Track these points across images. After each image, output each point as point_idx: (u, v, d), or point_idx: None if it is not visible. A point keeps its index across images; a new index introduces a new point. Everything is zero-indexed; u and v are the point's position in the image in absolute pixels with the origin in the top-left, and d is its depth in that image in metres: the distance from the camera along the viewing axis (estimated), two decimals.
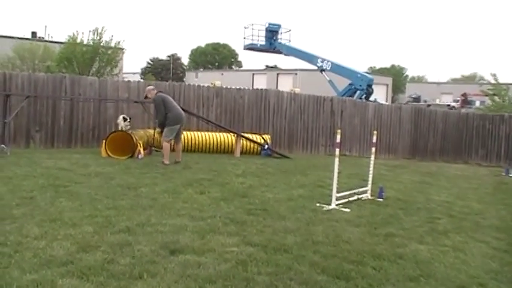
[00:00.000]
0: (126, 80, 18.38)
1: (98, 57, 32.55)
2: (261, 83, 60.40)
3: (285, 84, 55.59)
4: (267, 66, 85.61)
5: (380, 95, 52.36)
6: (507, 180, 14.61)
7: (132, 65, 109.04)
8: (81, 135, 14.45)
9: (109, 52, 32.92)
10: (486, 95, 37.50)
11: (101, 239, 5.62)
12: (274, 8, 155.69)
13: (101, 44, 32.49)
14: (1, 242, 5.29)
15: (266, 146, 15.44)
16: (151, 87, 13.05)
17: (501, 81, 35.06)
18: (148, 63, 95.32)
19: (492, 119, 21.11)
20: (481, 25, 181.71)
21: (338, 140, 8.59)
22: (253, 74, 72.78)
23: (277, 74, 70.45)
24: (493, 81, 34.70)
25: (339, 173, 8.46)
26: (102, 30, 32.55)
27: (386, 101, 55.12)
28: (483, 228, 7.73)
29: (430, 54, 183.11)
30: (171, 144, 12.21)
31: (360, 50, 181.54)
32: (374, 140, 9.94)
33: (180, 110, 12.36)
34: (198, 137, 14.93)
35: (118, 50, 34.11)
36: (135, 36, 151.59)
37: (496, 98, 34.12)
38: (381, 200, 9.18)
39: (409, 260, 5.75)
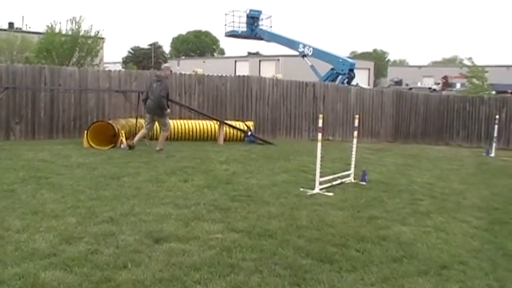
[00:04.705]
0: (107, 69, 18.20)
1: (77, 47, 32.06)
2: (243, 69, 60.12)
3: (268, 71, 55.38)
4: (249, 52, 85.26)
5: (362, 79, 52.37)
6: (488, 160, 14.79)
7: (113, 55, 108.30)
8: (62, 126, 14.30)
9: (89, 42, 32.44)
10: (465, 78, 37.91)
11: (84, 230, 5.59)
12: None
13: (80, 34, 32.01)
14: None
15: (249, 133, 15.44)
16: (167, 64, 13.77)
17: (480, 63, 35.57)
18: (130, 52, 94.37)
19: (472, 100, 21.32)
20: (461, 7, 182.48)
21: (320, 125, 8.61)
22: (235, 61, 72.33)
23: (260, 61, 70.03)
24: (469, 64, 35.18)
25: (322, 157, 8.50)
26: (80, 19, 32.06)
27: (369, 85, 55.25)
28: (464, 208, 7.83)
29: (411, 37, 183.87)
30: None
31: (341, 35, 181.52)
32: (356, 124, 10.00)
33: (150, 100, 12.28)
34: (181, 125, 14.87)
35: (98, 40, 33.66)
36: (115, 25, 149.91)
37: (474, 80, 34.56)
38: (364, 183, 9.25)
39: (392, 241, 5.81)
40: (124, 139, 12.50)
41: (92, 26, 32.52)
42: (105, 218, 6.10)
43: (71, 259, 4.70)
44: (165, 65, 13.82)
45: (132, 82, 15.40)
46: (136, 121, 13.72)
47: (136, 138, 12.27)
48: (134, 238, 5.39)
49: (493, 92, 35.46)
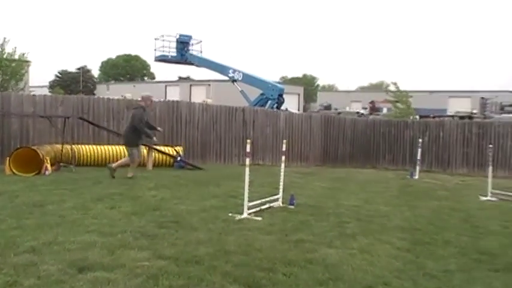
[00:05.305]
0: (32, 93, 17.68)
1: (0, 70, 31.02)
2: (174, 94, 59.99)
3: (198, 95, 55.56)
4: (179, 77, 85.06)
5: (292, 104, 53.44)
6: (412, 182, 15.33)
7: (39, 78, 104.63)
8: None
9: (13, 65, 31.46)
10: (390, 102, 39.32)
11: (3, 261, 5.36)
12: (184, 19, 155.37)
13: (4, 56, 31.01)
14: None
15: (179, 158, 15.35)
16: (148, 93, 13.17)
17: (405, 88, 37.06)
18: (57, 76, 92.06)
19: (397, 124, 22.07)
20: (386, 34, 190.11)
21: (248, 150, 8.69)
22: (165, 86, 72.08)
23: (190, 85, 70.17)
24: (394, 89, 36.64)
25: (251, 182, 8.57)
26: (4, 41, 31.12)
27: (298, 110, 56.33)
28: (388, 230, 8.06)
29: (340, 63, 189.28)
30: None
31: (271, 60, 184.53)
32: (284, 148, 10.14)
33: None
34: (108, 150, 14.60)
35: (23, 63, 32.70)
36: (42, 48, 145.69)
37: (398, 104, 35.93)
38: (292, 207, 9.36)
39: (319, 264, 5.90)
40: (49, 165, 12.15)
41: (16, 48, 31.69)
42: (27, 247, 5.87)
43: None
44: (145, 94, 13.13)
45: (58, 107, 15.02)
46: (62, 147, 13.36)
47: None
48: (57, 268, 5.22)
49: (417, 117, 36.98)
